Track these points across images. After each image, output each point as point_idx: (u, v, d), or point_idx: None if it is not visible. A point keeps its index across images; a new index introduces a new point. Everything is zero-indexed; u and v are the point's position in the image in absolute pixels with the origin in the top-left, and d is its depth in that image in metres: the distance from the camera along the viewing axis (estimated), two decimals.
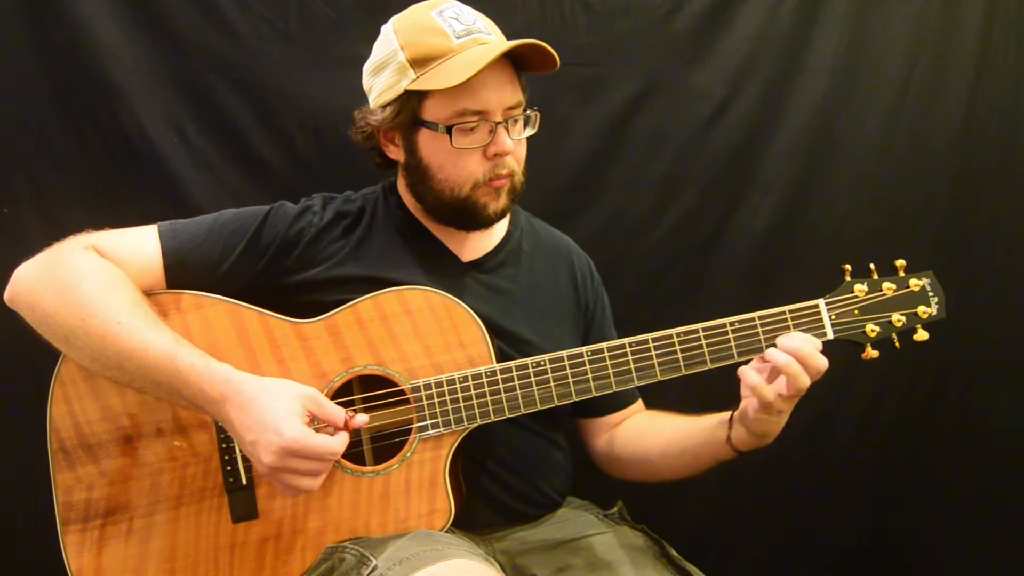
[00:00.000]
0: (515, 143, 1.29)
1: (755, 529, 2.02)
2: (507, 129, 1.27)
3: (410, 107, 1.27)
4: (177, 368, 1.14)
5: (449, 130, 1.25)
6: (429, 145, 1.29)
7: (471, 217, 1.32)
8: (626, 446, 1.44)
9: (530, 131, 1.33)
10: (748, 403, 1.20)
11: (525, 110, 1.31)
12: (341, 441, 1.15)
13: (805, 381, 1.16)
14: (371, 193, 1.43)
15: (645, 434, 1.43)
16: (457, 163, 1.28)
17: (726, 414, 1.27)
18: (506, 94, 1.27)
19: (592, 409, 1.46)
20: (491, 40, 1.28)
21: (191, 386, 1.14)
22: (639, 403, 1.51)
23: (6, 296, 1.23)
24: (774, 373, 1.18)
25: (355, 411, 1.19)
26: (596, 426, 1.49)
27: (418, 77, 1.25)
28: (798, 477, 1.98)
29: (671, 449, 1.37)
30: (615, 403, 1.47)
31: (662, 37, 1.85)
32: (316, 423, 1.16)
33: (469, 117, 1.25)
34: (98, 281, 1.18)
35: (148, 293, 1.24)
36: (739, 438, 1.24)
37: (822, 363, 1.16)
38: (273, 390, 1.15)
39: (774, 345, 1.19)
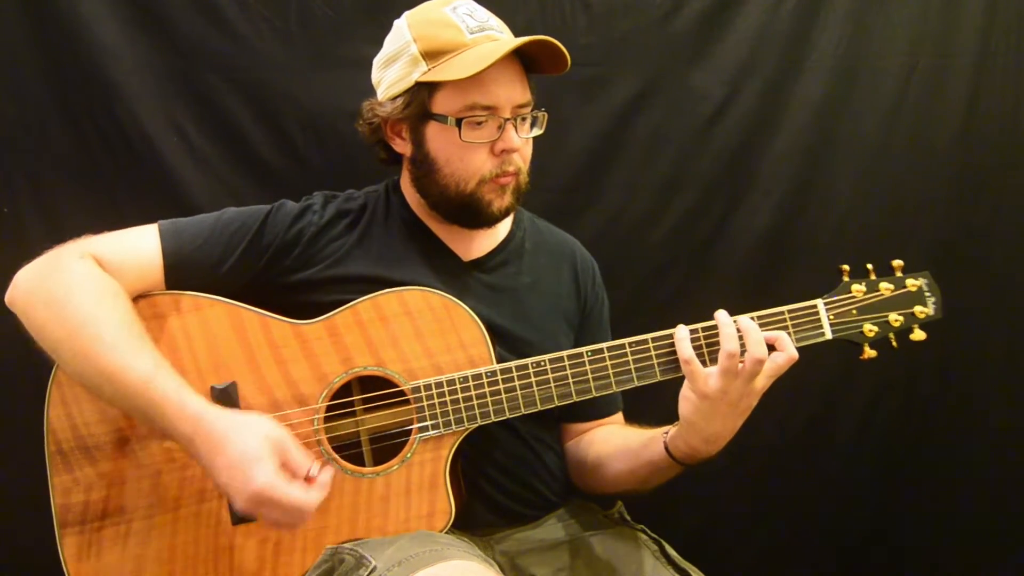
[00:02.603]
0: (522, 142, 1.30)
1: (755, 529, 2.02)
2: (515, 127, 1.28)
3: (420, 99, 1.28)
4: (151, 398, 1.12)
5: (458, 123, 1.25)
6: (437, 138, 1.29)
7: (475, 214, 1.32)
8: (586, 451, 1.42)
9: (537, 131, 1.33)
10: (684, 387, 1.19)
11: (533, 111, 1.31)
12: (314, 497, 1.08)
13: (734, 346, 1.14)
14: (373, 191, 1.43)
15: (607, 439, 1.41)
16: (464, 157, 1.28)
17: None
18: (515, 92, 1.27)
19: (578, 415, 1.44)
20: (503, 38, 1.29)
21: (164, 417, 1.12)
22: (619, 415, 1.49)
23: (6, 299, 1.23)
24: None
25: (323, 463, 1.15)
26: (569, 431, 1.47)
27: (430, 69, 1.26)
28: (798, 477, 1.98)
29: (619, 453, 1.35)
30: (599, 412, 1.45)
31: (662, 37, 1.85)
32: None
33: (479, 111, 1.25)
34: (88, 296, 1.17)
35: (147, 294, 1.24)
36: (672, 434, 1.23)
37: (761, 353, 1.14)
38: (243, 430, 1.10)
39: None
